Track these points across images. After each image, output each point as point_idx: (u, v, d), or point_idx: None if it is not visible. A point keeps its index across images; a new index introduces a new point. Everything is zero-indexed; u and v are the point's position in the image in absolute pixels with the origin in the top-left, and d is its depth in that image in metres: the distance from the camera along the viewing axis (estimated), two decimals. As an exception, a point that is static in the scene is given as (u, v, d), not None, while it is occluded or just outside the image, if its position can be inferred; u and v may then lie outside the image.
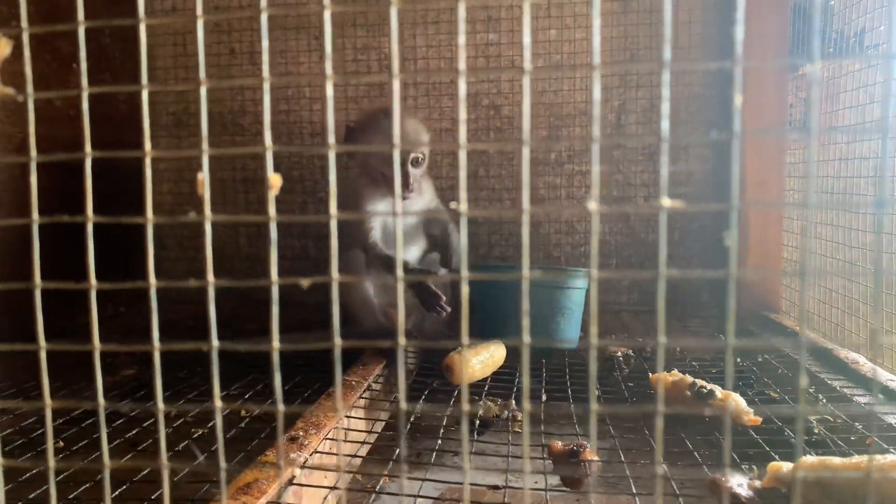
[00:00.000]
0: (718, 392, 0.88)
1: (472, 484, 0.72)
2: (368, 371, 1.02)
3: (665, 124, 0.29)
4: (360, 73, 1.62)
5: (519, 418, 0.90)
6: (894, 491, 0.58)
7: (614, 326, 1.44)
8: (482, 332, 1.17)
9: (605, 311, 1.51)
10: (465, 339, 0.31)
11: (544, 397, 0.97)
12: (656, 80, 1.60)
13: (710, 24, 1.57)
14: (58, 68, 1.33)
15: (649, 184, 1.63)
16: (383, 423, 0.95)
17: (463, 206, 0.28)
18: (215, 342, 0.29)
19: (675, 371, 0.95)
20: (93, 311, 0.31)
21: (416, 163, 1.23)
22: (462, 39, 0.28)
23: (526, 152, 0.29)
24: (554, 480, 0.72)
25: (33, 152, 0.30)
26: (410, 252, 1.35)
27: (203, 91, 0.28)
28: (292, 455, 0.70)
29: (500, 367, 1.08)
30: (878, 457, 0.62)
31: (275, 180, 0.28)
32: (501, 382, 1.05)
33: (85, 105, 0.32)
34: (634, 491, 0.69)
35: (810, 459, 0.65)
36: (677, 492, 0.67)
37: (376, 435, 0.91)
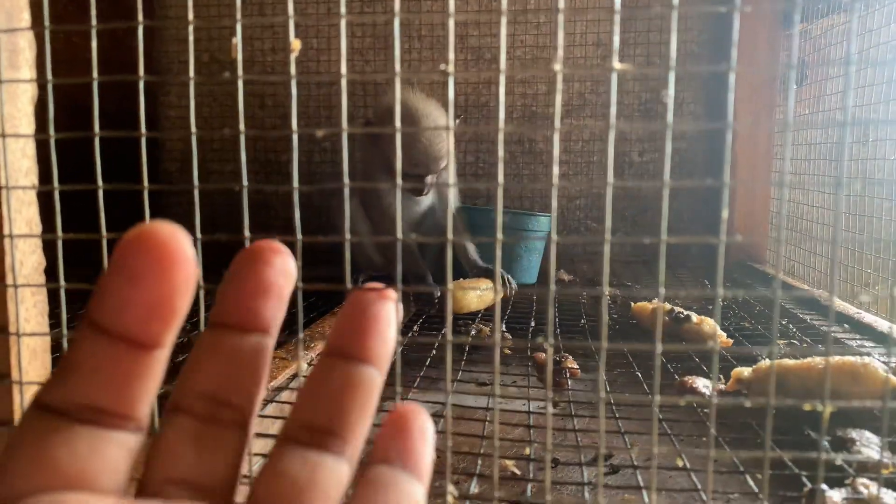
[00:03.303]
0: (694, 317, 0.95)
1: (461, 405, 0.78)
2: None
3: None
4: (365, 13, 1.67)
5: (508, 338, 0.97)
6: (837, 382, 0.65)
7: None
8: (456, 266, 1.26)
9: (597, 260, 1.58)
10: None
11: (533, 324, 1.04)
12: (654, 38, 1.65)
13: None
14: (75, 10, 1.39)
15: (644, 139, 1.69)
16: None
17: (451, 67, 0.34)
18: (245, 182, 0.35)
19: (656, 300, 1.01)
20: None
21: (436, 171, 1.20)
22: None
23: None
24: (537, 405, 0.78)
25: (93, 37, 0.36)
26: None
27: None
28: (302, 353, 0.77)
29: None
30: (820, 359, 0.69)
31: (295, 44, 0.34)
32: (491, 309, 1.12)
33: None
34: (617, 415, 0.72)
35: (767, 363, 0.72)
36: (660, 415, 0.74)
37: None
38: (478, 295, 1.12)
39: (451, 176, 1.33)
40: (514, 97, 1.70)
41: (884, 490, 0.49)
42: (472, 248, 1.28)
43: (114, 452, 0.19)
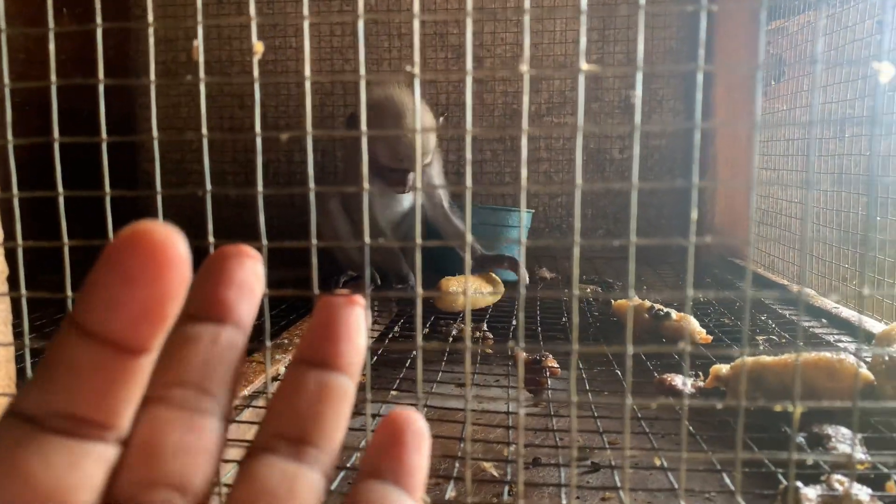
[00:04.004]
0: (674, 314, 0.95)
1: (441, 407, 0.78)
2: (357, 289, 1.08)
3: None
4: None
5: (489, 337, 0.96)
6: (813, 378, 0.65)
7: (587, 270, 1.51)
8: (439, 265, 1.27)
9: (580, 258, 1.57)
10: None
11: (514, 322, 1.04)
12: (633, 34, 1.65)
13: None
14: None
15: (624, 136, 1.69)
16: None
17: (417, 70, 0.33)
18: (209, 186, 0.35)
19: (635, 297, 1.02)
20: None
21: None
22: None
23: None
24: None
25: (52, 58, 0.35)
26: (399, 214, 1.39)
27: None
28: (277, 356, 0.76)
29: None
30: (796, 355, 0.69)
31: (258, 47, 0.34)
32: (478, 310, 1.12)
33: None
34: (595, 414, 0.73)
35: (746, 359, 0.73)
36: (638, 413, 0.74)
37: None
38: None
39: (436, 175, 1.32)
40: (496, 95, 1.70)
41: (858, 486, 0.50)
42: (470, 238, 1.27)
43: (91, 467, 0.18)
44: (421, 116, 1.17)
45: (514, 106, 1.70)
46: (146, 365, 0.19)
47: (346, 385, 0.22)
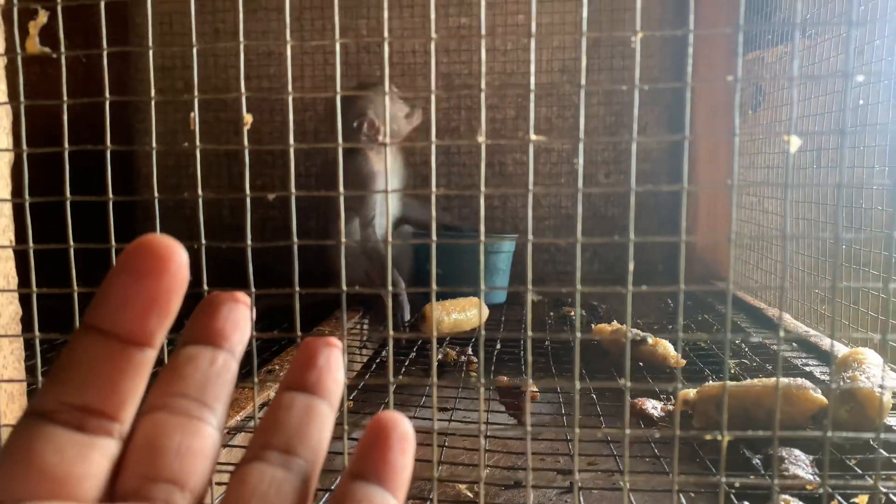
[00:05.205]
0: (650, 339, 0.99)
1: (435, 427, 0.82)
2: (341, 323, 1.12)
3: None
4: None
5: (474, 361, 1.01)
6: (772, 403, 0.69)
7: (572, 293, 1.55)
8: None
9: (567, 280, 1.62)
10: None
11: (499, 346, 1.08)
12: (617, 63, 1.71)
13: (668, 13, 1.68)
14: (53, 46, 1.42)
15: (610, 161, 1.74)
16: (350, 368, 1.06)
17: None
18: (203, 241, 0.39)
19: (615, 322, 1.06)
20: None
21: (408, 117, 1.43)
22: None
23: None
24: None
25: (65, 96, 0.40)
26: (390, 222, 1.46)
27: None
28: (268, 383, 0.80)
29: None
30: (758, 381, 0.74)
31: (248, 118, 0.38)
32: (464, 333, 1.16)
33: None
34: (568, 437, 0.77)
35: (711, 384, 0.77)
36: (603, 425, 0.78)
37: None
38: (453, 320, 1.15)
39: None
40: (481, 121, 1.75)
41: (804, 505, 0.54)
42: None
43: (97, 459, 0.20)
44: (391, 105, 1.37)
45: (501, 132, 1.75)
46: (149, 361, 0.22)
47: (326, 409, 0.25)
